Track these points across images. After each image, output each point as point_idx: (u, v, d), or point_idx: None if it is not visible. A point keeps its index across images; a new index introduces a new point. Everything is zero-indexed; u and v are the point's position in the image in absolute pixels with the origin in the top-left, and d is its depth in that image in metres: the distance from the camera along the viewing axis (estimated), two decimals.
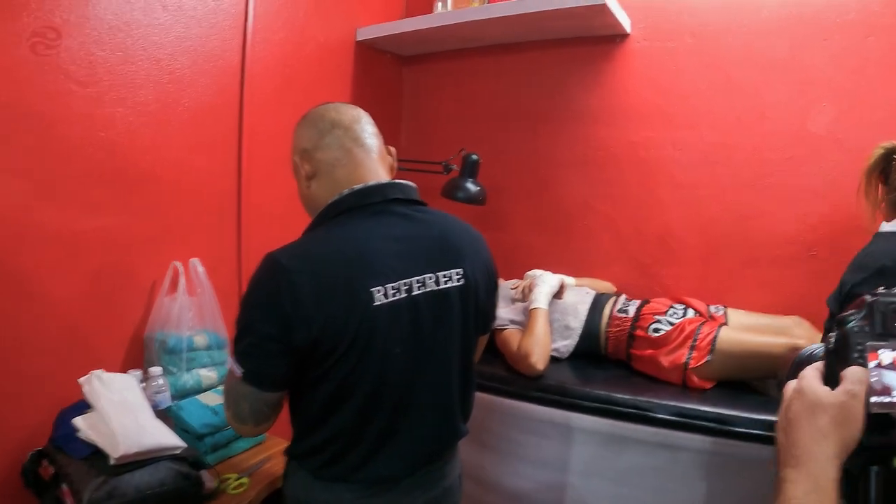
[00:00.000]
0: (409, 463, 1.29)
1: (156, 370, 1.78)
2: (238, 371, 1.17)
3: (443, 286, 1.25)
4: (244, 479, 1.62)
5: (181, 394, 1.84)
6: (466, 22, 2.49)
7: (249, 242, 2.19)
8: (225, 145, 2.13)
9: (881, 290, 0.73)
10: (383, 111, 3.03)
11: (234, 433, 1.73)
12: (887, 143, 1.65)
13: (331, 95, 2.55)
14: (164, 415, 1.70)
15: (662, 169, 2.53)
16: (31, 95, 1.58)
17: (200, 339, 1.91)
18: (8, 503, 1.58)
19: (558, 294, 2.32)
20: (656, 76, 2.52)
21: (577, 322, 2.27)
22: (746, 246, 2.40)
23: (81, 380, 1.58)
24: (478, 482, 2.19)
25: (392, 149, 1.43)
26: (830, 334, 0.75)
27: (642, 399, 1.95)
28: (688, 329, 2.07)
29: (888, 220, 1.60)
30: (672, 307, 2.22)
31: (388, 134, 3.02)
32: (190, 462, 1.50)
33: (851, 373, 0.70)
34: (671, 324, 2.12)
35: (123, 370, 1.79)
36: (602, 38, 2.60)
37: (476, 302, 1.33)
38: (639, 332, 2.15)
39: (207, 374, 1.91)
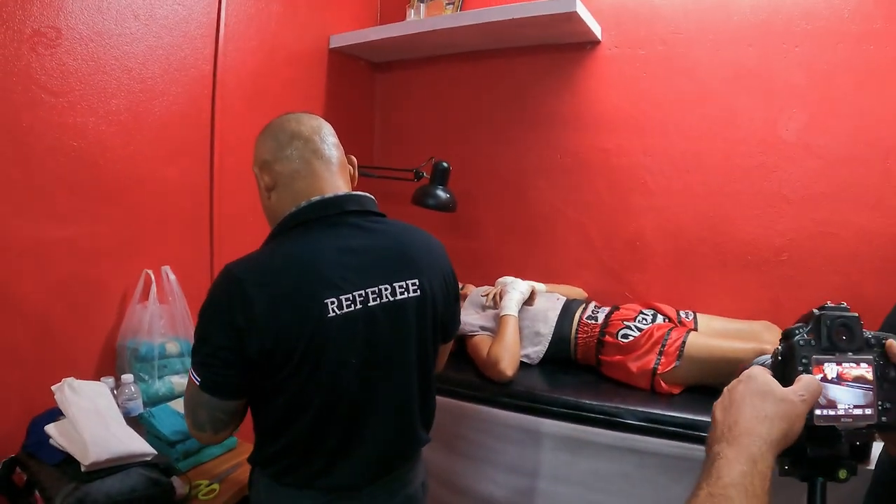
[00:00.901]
0: (369, 471, 1.31)
1: (128, 377, 1.78)
2: (196, 380, 1.19)
3: (399, 297, 1.27)
4: (215, 486, 1.63)
5: (153, 401, 1.84)
6: (438, 29, 2.52)
7: (221, 250, 2.20)
8: (197, 153, 2.13)
9: (828, 303, 0.74)
10: (356, 118, 3.05)
11: None
12: None
13: (304, 102, 2.57)
14: (136, 422, 1.71)
15: (633, 176, 2.56)
16: (1, 105, 1.58)
17: (172, 347, 1.92)
18: None
19: (529, 301, 2.34)
20: (627, 83, 2.55)
21: (547, 328, 2.29)
22: (716, 251, 2.43)
23: (54, 387, 1.58)
24: (449, 488, 2.20)
25: (353, 158, 1.44)
26: (777, 347, 0.76)
27: (610, 405, 1.97)
28: (656, 335, 2.09)
29: None
30: (641, 313, 2.25)
31: (361, 140, 3.08)
32: (161, 468, 1.51)
33: (807, 381, 0.70)
34: (640, 329, 2.14)
35: (96, 377, 1.78)
36: (573, 46, 2.62)
37: (433, 312, 1.35)
38: (608, 338, 2.17)
39: (179, 382, 1.91)
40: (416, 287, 1.30)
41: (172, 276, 1.95)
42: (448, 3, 2.75)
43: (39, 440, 1.52)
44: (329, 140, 1.37)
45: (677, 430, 1.86)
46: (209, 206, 2.18)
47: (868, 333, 0.72)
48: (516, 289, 2.32)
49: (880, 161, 2.14)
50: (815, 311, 0.74)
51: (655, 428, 1.89)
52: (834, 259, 2.24)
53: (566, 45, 2.63)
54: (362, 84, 3.08)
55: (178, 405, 1.80)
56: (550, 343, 2.28)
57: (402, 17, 2.78)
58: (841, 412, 0.70)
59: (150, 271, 1.92)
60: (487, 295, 2.43)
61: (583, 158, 2.66)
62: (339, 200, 1.29)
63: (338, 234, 1.26)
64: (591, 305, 2.37)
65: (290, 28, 2.50)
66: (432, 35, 2.59)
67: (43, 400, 1.60)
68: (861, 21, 2.13)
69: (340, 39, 2.73)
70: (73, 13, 1.71)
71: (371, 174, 2.67)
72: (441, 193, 2.52)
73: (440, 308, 1.37)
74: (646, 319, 2.20)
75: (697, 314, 2.30)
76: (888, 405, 0.70)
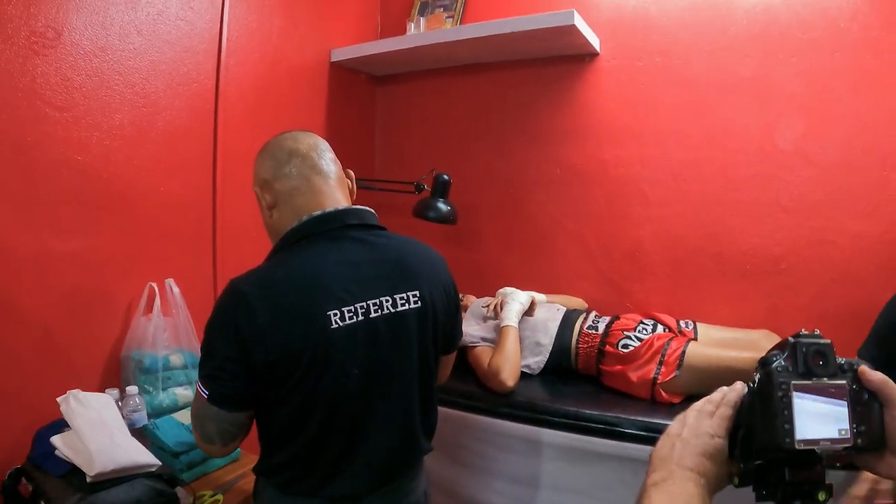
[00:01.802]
0: (371, 481, 1.32)
1: (132, 389, 1.79)
2: (204, 393, 1.20)
3: (400, 308, 1.29)
4: (219, 496, 1.64)
5: (157, 412, 1.85)
6: (439, 43, 2.54)
7: (225, 263, 2.22)
8: (200, 167, 2.15)
9: (802, 331, 0.76)
10: (357, 131, 3.07)
11: None
12: None
13: (305, 115, 2.59)
14: (141, 433, 1.72)
15: (631, 186, 2.57)
16: (6, 120, 1.60)
17: (176, 359, 1.93)
18: None
19: (529, 311, 2.34)
20: (625, 94, 2.56)
21: (548, 339, 2.29)
22: (715, 261, 2.44)
23: (59, 399, 1.60)
24: (451, 497, 2.21)
25: (351, 172, 1.47)
26: (755, 374, 0.79)
27: (611, 414, 1.97)
28: (656, 344, 2.10)
29: None
30: (641, 323, 2.26)
31: (362, 153, 3.10)
32: (165, 479, 1.53)
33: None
34: (640, 339, 2.15)
35: (100, 389, 1.81)
36: (572, 58, 2.64)
37: (434, 323, 1.36)
38: (608, 348, 2.18)
39: (183, 393, 1.93)
40: (416, 298, 1.32)
41: (176, 289, 1.97)
42: (448, 17, 2.78)
43: (45, 451, 1.53)
44: (326, 156, 1.39)
45: None
46: (212, 219, 2.20)
47: (840, 360, 0.75)
48: (516, 299, 2.32)
49: (877, 169, 2.15)
50: (791, 338, 0.75)
51: (656, 437, 1.84)
52: (832, 267, 2.25)
53: (565, 57, 2.64)
54: (363, 97, 3.10)
55: (182, 416, 1.82)
56: (551, 353, 2.28)
57: (403, 31, 2.80)
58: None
59: (154, 284, 1.94)
60: (488, 306, 2.44)
61: (582, 169, 2.67)
62: (339, 214, 1.31)
63: (339, 247, 1.28)
64: (592, 315, 2.37)
65: (292, 42, 2.53)
66: (432, 49, 2.61)
67: (48, 411, 1.62)
68: (857, 30, 2.14)
69: (341, 53, 2.76)
70: (77, 29, 1.74)
71: (372, 187, 2.69)
72: (442, 206, 2.53)
73: (441, 319, 1.39)
74: (646, 329, 2.21)
75: (697, 324, 2.31)
76: (862, 428, 0.72)
